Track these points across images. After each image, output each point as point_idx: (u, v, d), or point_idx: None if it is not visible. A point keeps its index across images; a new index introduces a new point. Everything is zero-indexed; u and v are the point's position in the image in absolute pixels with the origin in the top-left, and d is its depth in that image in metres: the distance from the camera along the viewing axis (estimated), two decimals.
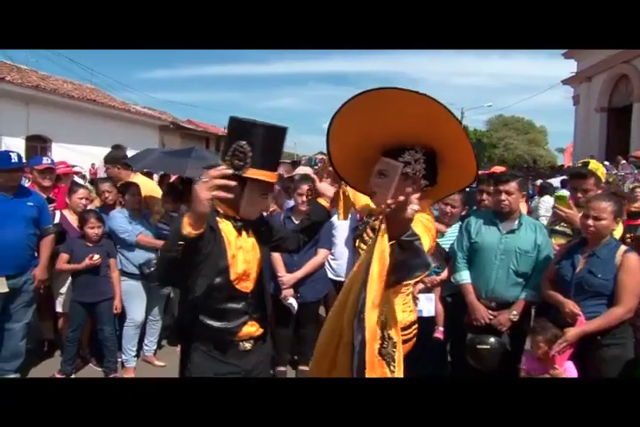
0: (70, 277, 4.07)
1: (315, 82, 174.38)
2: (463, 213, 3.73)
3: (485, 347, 3.13)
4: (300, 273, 3.93)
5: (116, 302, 4.07)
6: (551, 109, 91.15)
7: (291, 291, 3.99)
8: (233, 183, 1.73)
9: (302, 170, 6.34)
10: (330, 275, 4.20)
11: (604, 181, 3.56)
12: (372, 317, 1.68)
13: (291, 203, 4.69)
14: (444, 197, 2.46)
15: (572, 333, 2.75)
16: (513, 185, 3.22)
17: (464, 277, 3.32)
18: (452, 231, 3.59)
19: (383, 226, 1.68)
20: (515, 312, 3.17)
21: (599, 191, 3.28)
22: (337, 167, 2.24)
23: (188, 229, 1.66)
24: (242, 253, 2.04)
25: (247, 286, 2.08)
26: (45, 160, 4.41)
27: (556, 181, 11.00)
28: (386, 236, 1.67)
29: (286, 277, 3.98)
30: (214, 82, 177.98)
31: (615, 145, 22.10)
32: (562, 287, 2.94)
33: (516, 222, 3.26)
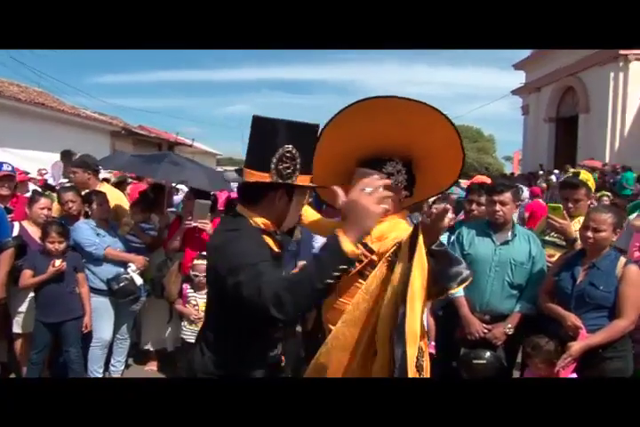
0: (31, 294, 3.75)
1: (268, 89, 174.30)
2: (452, 224, 3.64)
3: (481, 362, 3.03)
4: None
5: (86, 320, 3.76)
6: (499, 119, 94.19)
7: None
8: (390, 194, 1.50)
9: None
10: None
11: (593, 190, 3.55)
12: (415, 330, 1.69)
13: None
14: (416, 204, 2.58)
15: (576, 347, 2.68)
16: (507, 195, 3.16)
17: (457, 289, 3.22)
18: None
19: (420, 238, 1.69)
20: (510, 325, 3.09)
21: (589, 201, 3.26)
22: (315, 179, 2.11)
23: (350, 247, 1.36)
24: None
25: None
26: (6, 167, 4.05)
27: None
28: (423, 248, 1.69)
29: None
30: (167, 88, 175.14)
31: (563, 154, 22.95)
32: (561, 300, 2.88)
33: (510, 233, 3.19)
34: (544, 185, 15.38)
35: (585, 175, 3.44)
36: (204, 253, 2.92)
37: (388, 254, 1.94)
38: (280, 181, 1.63)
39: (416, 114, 2.01)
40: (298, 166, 1.65)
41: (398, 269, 1.79)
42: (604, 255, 2.78)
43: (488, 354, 3.05)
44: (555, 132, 24.10)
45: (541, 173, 20.43)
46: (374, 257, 2.00)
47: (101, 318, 3.90)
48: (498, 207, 3.15)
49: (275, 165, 1.62)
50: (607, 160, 18.71)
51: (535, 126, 25.13)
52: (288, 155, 1.62)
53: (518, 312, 3.11)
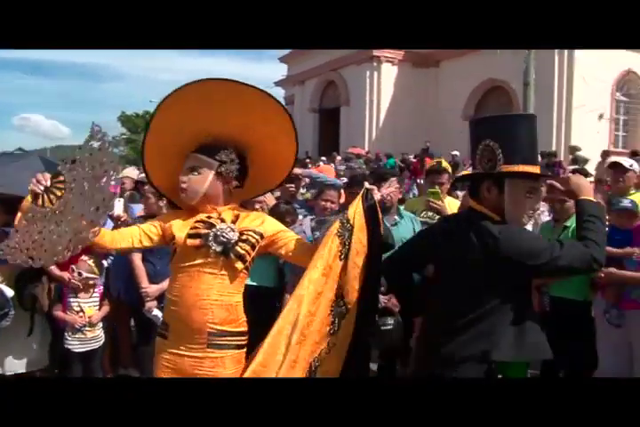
0: None
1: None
2: None
3: (388, 327, 3.49)
4: (165, 284, 3.71)
5: None
6: None
7: (154, 302, 3.76)
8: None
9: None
10: None
11: None
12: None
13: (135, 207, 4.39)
14: (251, 198, 2.62)
15: None
16: (392, 183, 3.65)
17: None
18: None
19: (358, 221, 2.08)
20: None
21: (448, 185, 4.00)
22: (146, 161, 2.15)
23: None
24: None
25: None
26: None
27: None
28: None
29: (150, 289, 3.74)
30: None
31: (327, 142, 25.14)
32: None
33: (397, 215, 3.71)
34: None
35: (445, 164, 4.16)
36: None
37: (335, 231, 2.10)
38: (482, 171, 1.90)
39: (252, 101, 2.04)
40: (500, 158, 1.91)
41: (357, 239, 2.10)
42: None
43: (392, 320, 3.53)
44: (319, 122, 26.25)
45: (308, 160, 22.24)
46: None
47: None
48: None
49: (478, 159, 1.96)
50: (366, 148, 21.15)
51: (300, 116, 27.02)
52: (488, 148, 1.93)
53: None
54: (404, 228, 3.67)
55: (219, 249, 2.07)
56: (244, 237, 2.11)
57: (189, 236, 2.08)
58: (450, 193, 4.31)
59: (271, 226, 2.24)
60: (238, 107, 2.03)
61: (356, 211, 2.12)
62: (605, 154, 13.02)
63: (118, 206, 3.51)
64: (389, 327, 3.49)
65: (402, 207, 3.90)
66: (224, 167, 2.07)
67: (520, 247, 1.88)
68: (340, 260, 2.10)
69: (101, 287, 3.74)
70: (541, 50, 13.72)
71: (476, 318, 1.92)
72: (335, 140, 24.33)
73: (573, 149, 13.67)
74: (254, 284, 3.80)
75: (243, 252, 2.09)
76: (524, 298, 2.01)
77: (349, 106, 23.22)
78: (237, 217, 2.17)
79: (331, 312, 2.14)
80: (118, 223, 3.52)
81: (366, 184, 2.29)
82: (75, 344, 3.54)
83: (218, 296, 2.08)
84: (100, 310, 3.63)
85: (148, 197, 3.88)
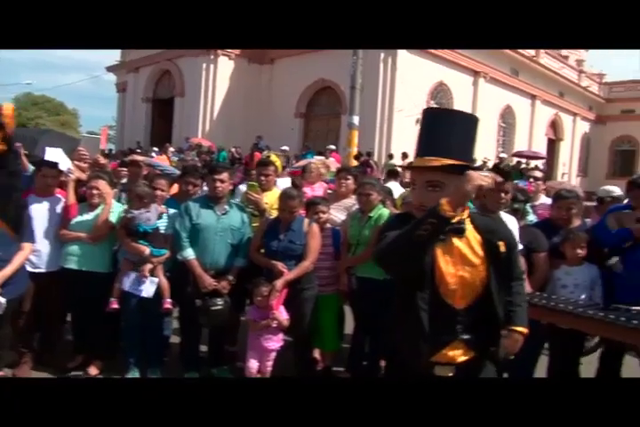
0: None
1: None
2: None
3: (218, 307, 3.81)
4: (9, 270, 3.64)
5: None
6: (83, 94, 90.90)
7: None
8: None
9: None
10: (29, 268, 3.98)
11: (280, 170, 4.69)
12: None
13: None
14: None
15: (279, 283, 3.72)
16: (225, 175, 3.97)
17: (189, 253, 3.88)
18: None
19: None
20: (231, 277, 3.95)
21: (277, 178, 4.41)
22: None
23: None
24: None
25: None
26: None
27: None
28: None
29: None
30: None
31: (159, 132, 24.53)
32: (270, 254, 3.87)
33: (227, 205, 4.02)
34: None
35: (274, 157, 4.56)
36: None
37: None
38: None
39: None
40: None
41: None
42: (296, 220, 3.89)
43: (221, 301, 3.85)
44: (152, 112, 25.44)
45: (139, 150, 21.54)
46: None
47: None
48: (218, 184, 3.92)
49: None
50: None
51: (132, 105, 25.96)
52: None
53: (237, 266, 4.00)
54: (233, 217, 4.01)
55: None
56: None
57: None
58: None
59: None
60: None
61: None
62: (404, 155, 14.83)
63: None
64: (219, 307, 3.82)
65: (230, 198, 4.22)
66: None
67: None
68: None
69: None
70: (369, 55, 14.90)
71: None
72: (168, 131, 23.81)
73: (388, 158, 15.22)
74: (88, 270, 3.89)
75: None
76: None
77: (184, 97, 22.87)
78: None
79: None
80: None
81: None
82: None
83: None
84: None
85: None
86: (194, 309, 3.84)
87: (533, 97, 25.55)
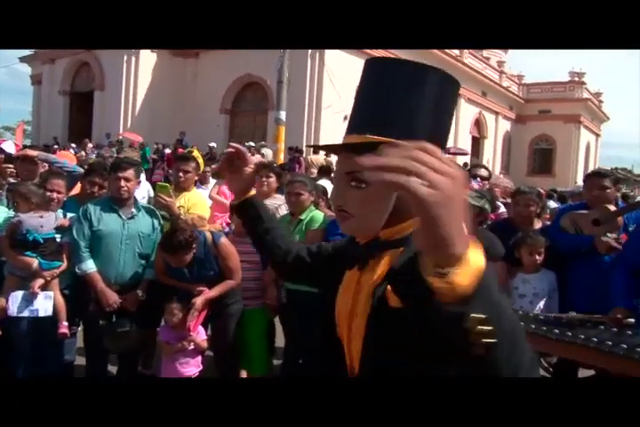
0: None
1: None
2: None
3: (126, 329, 3.26)
4: None
5: None
6: None
7: None
8: None
9: None
10: None
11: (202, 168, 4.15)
12: None
13: None
14: None
15: (199, 301, 3.23)
16: (130, 172, 3.41)
17: (90, 266, 3.29)
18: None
19: None
20: (141, 292, 3.40)
21: (203, 175, 3.89)
22: None
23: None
24: None
25: None
26: None
27: None
28: None
29: None
30: None
31: (78, 127, 23.20)
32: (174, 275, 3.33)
33: (134, 208, 3.46)
34: None
35: (197, 153, 4.03)
36: None
37: None
38: None
39: None
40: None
41: None
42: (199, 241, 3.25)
43: (128, 321, 3.30)
44: (69, 106, 23.99)
45: (56, 146, 20.20)
46: None
47: None
48: (123, 183, 3.35)
49: None
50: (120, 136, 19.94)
51: (48, 98, 24.36)
52: None
53: (147, 279, 3.44)
54: (141, 221, 3.47)
55: None
56: None
57: None
58: None
59: None
60: None
61: None
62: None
63: None
64: (126, 329, 3.28)
65: (138, 200, 3.66)
66: None
67: None
68: None
69: None
70: (295, 50, 14.51)
71: None
72: (87, 126, 22.49)
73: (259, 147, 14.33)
74: None
75: None
76: None
77: (104, 91, 21.61)
78: None
79: None
80: None
81: None
82: None
83: None
84: None
85: None
86: (97, 330, 3.28)
87: (458, 95, 26.07)
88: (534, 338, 2.47)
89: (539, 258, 3.20)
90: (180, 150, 13.69)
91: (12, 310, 3.16)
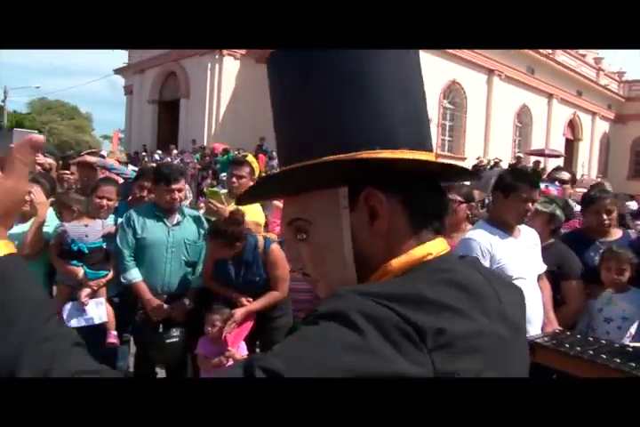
0: None
1: None
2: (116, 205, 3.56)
3: (174, 340, 3.12)
4: None
5: None
6: (96, 97, 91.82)
7: None
8: None
9: None
10: None
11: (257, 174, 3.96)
12: None
13: None
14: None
15: (239, 312, 3.03)
16: (182, 183, 3.30)
17: (134, 275, 3.19)
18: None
19: None
20: (188, 302, 3.26)
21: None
22: None
23: None
24: None
25: None
26: None
27: None
28: None
29: None
30: None
31: (165, 135, 24.06)
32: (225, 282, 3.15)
33: (179, 215, 3.33)
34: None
35: (251, 158, 3.85)
36: None
37: None
38: None
39: None
40: None
41: None
42: (247, 245, 3.07)
43: (176, 332, 3.16)
44: (157, 114, 24.98)
45: (144, 153, 21.10)
46: None
47: None
48: (176, 195, 3.21)
49: None
50: (205, 142, 20.46)
51: (139, 107, 25.51)
52: None
53: (194, 288, 3.30)
54: (187, 228, 3.32)
55: None
56: None
57: None
58: None
59: None
60: None
61: None
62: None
63: None
64: (175, 340, 3.14)
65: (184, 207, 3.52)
66: None
67: None
68: None
69: None
70: None
71: None
72: (174, 134, 23.30)
73: None
74: None
75: None
76: None
77: (189, 98, 22.33)
78: None
79: None
80: None
81: None
82: None
83: None
84: None
85: None
86: (145, 341, 3.17)
87: (550, 96, 24.65)
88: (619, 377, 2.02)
89: (621, 276, 2.73)
90: (262, 156, 13.72)
91: (69, 320, 3.11)
